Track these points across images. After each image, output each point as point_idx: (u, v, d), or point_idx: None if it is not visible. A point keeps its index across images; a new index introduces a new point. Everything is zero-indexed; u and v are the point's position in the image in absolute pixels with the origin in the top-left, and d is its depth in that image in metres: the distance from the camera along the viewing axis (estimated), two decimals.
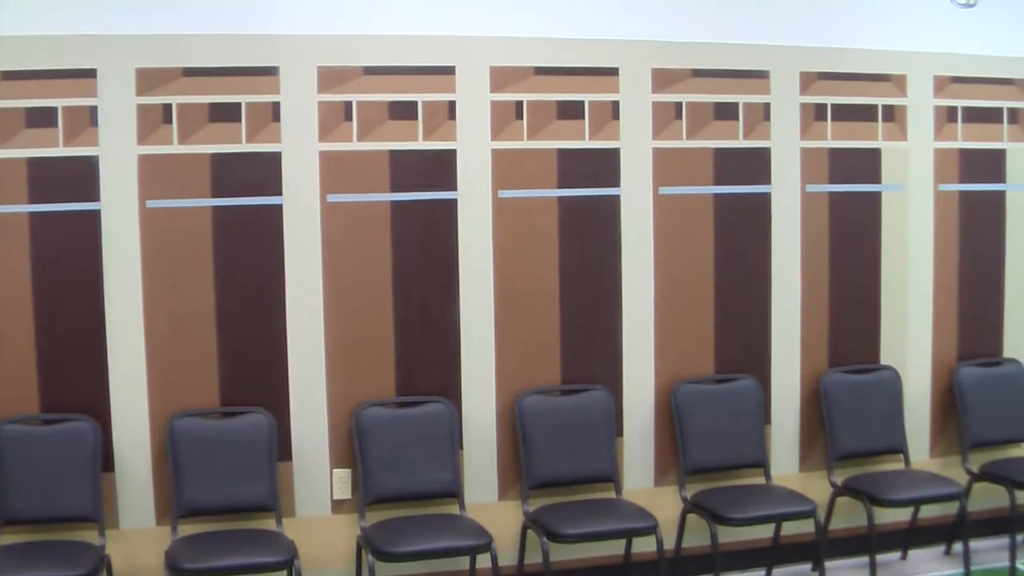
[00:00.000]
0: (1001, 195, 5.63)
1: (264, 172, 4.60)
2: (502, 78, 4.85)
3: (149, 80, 4.47)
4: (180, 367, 4.57)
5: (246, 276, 4.62)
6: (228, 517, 4.54)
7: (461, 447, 4.85)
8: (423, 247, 4.82)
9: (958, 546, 5.34)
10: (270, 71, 4.58)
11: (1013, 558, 5.18)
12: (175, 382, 4.56)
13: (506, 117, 4.87)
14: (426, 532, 4.48)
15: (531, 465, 4.87)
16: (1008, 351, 5.70)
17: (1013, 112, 5.62)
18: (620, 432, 5.06)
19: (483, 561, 4.55)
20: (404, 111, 4.75)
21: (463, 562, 4.69)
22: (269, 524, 4.56)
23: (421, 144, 4.77)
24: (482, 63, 4.83)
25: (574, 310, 5.00)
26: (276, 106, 4.59)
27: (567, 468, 4.92)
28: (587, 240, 5.01)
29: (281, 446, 4.63)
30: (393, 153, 4.74)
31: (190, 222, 4.56)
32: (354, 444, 4.69)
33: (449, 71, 4.80)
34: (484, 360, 4.90)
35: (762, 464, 5.17)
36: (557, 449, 4.92)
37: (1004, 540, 5.35)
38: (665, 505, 5.01)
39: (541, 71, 4.91)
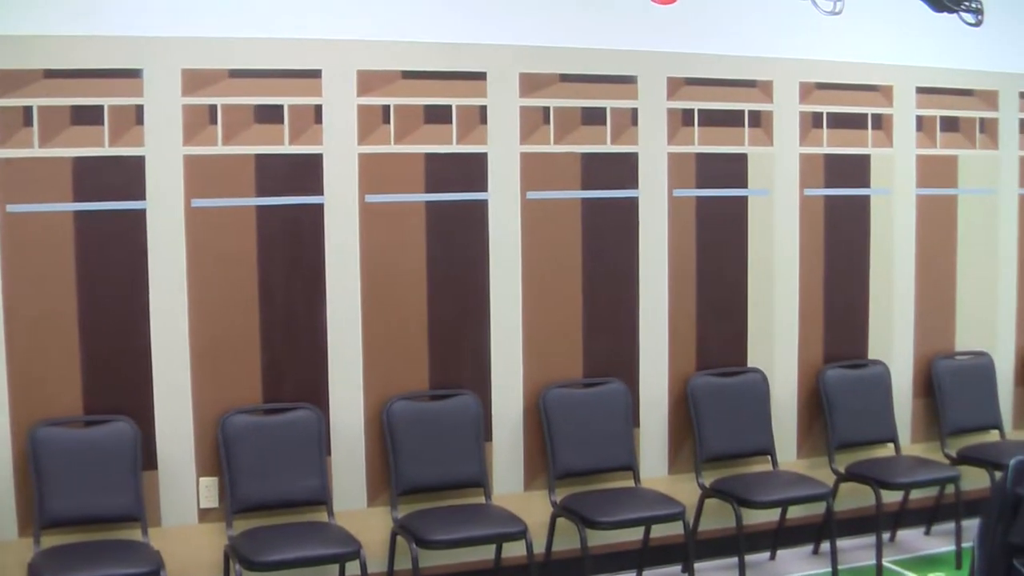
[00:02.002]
0: (866, 199, 6.19)
1: (127, 176, 4.82)
2: (369, 82, 5.17)
3: (5, 83, 4.65)
4: (41, 375, 4.76)
5: (109, 282, 4.84)
6: (92, 528, 4.72)
7: (329, 453, 5.16)
8: (290, 252, 5.11)
9: (826, 545, 5.83)
10: (133, 73, 4.81)
11: (880, 556, 5.65)
12: (36, 390, 4.74)
13: (373, 121, 5.19)
14: (294, 540, 4.75)
15: (400, 471, 5.20)
16: (873, 353, 6.26)
17: (877, 118, 6.18)
18: (490, 437, 5.44)
19: (352, 569, 4.83)
20: (270, 115, 5.02)
21: (332, 570, 4.96)
22: (134, 534, 4.77)
23: (287, 148, 5.06)
24: (349, 66, 5.13)
25: (442, 315, 5.36)
26: (140, 109, 4.82)
27: (436, 474, 5.27)
28: (455, 244, 5.37)
29: (146, 455, 4.86)
30: (259, 157, 5.01)
31: (52, 226, 4.74)
32: (220, 452, 4.95)
33: (315, 74, 5.08)
34: (352, 365, 5.21)
35: (631, 467, 5.61)
36: (427, 454, 5.26)
37: (871, 539, 5.84)
38: (535, 509, 5.39)
39: (409, 75, 5.24)
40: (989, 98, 6.51)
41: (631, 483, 5.62)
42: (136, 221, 4.88)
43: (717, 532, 5.79)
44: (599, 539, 5.41)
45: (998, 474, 4.47)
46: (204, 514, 5.04)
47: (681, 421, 5.83)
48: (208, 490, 5.03)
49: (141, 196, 4.87)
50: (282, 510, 5.06)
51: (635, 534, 5.61)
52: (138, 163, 4.87)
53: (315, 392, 5.18)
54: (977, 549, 4.38)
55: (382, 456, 5.27)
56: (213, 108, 4.95)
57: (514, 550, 5.21)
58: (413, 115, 5.27)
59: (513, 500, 5.41)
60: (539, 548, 5.34)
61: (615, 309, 5.70)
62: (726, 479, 5.68)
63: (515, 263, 5.48)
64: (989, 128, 6.53)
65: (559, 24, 5.51)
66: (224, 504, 5.00)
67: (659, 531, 5.61)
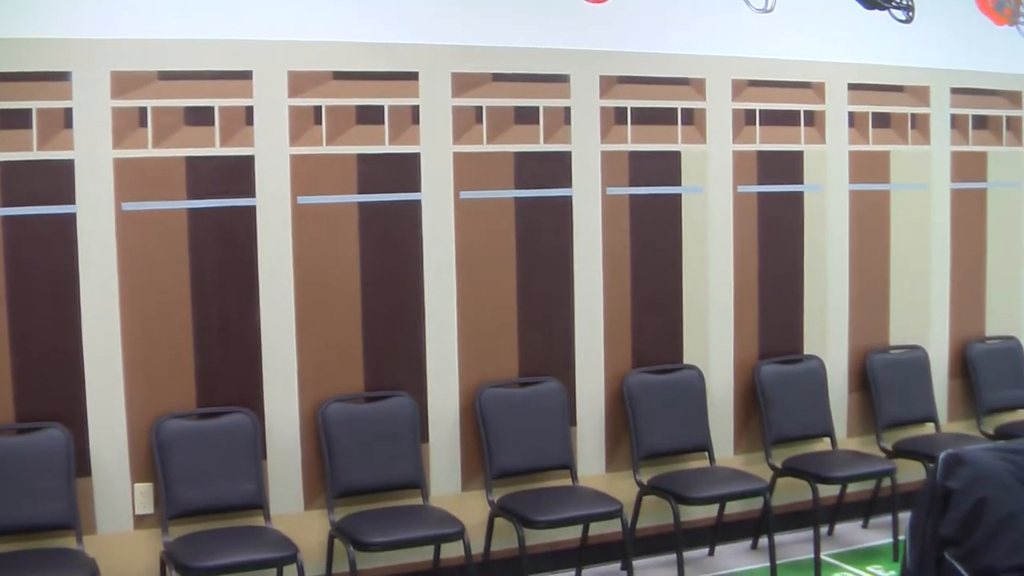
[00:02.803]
0: (799, 196, 6.40)
1: (56, 180, 4.89)
2: (300, 82, 5.28)
3: None
4: None
5: (39, 287, 4.91)
6: (26, 536, 4.79)
7: (265, 457, 5.27)
8: (222, 255, 5.20)
9: (764, 540, 6.04)
10: (61, 76, 4.88)
11: (817, 550, 5.82)
12: None
13: (305, 122, 5.29)
14: (230, 545, 4.84)
15: (336, 473, 5.31)
16: (808, 348, 6.47)
17: (810, 115, 6.39)
18: (426, 438, 5.57)
19: (290, 573, 4.96)
20: (200, 116, 5.11)
21: (270, 575, 5.07)
22: (69, 542, 4.82)
23: (218, 150, 5.14)
24: (280, 67, 5.23)
25: (377, 316, 5.48)
26: (68, 112, 4.89)
27: (373, 476, 5.39)
28: (389, 245, 5.49)
29: (79, 461, 4.92)
30: (190, 159, 5.10)
31: None
32: (155, 457, 5.04)
33: (246, 75, 5.18)
34: (286, 369, 5.32)
35: (569, 466, 5.76)
36: (363, 456, 5.37)
37: (808, 533, 6.04)
38: (473, 510, 5.54)
39: (340, 75, 5.35)
40: (920, 94, 6.74)
41: (568, 482, 5.77)
42: (66, 226, 4.94)
43: (655, 529, 5.97)
44: (537, 538, 5.57)
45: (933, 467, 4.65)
46: (140, 520, 5.11)
47: (618, 419, 5.99)
48: (143, 496, 5.11)
49: (71, 200, 4.94)
50: (218, 515, 5.14)
51: (573, 533, 5.77)
52: (67, 167, 4.93)
53: (250, 396, 5.28)
54: (909, 542, 4.56)
55: (318, 459, 5.37)
56: (143, 110, 5.03)
57: (452, 551, 5.34)
58: (345, 116, 5.38)
59: (451, 501, 5.54)
60: (477, 548, 5.46)
61: (550, 308, 5.85)
62: (663, 476, 5.84)
63: (449, 263, 5.61)
64: (920, 124, 6.76)
65: (491, 23, 5.65)
66: (160, 510, 5.08)
67: (597, 529, 5.77)
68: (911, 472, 6.22)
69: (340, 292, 5.43)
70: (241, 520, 5.19)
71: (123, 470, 5.09)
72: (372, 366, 5.50)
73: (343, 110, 5.38)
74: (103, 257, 5.01)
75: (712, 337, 6.24)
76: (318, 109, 5.33)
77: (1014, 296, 7.26)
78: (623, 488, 5.81)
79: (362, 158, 5.43)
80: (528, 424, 5.72)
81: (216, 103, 5.15)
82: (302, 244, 5.34)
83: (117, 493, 5.07)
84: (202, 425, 5.19)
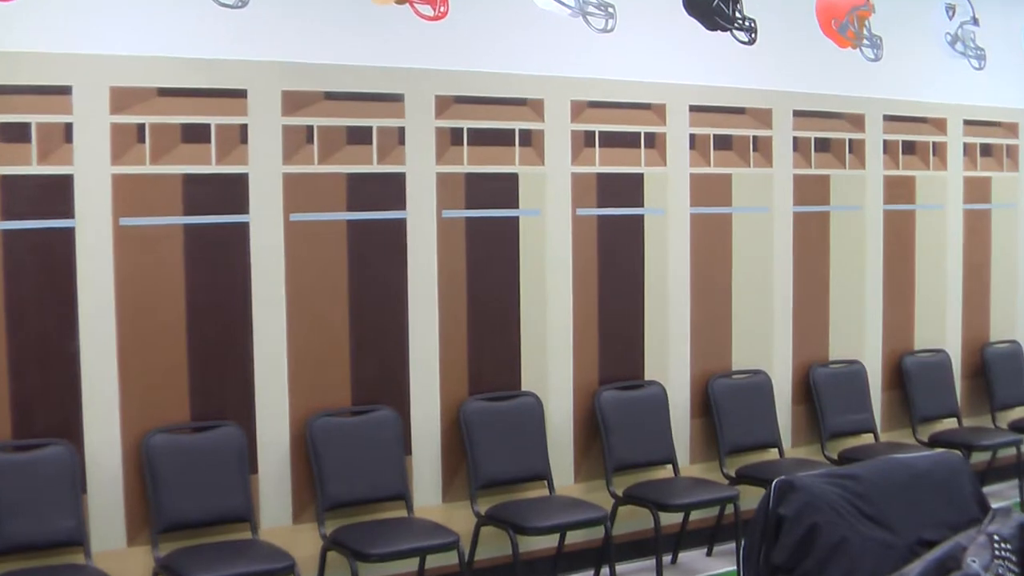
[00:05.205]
0: (639, 219, 6.74)
1: None
2: (123, 99, 5.36)
3: None
4: None
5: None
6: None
7: (85, 491, 5.34)
8: (40, 279, 5.26)
9: (606, 570, 6.30)
10: None
11: None
12: None
13: (127, 140, 5.38)
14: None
15: (161, 508, 5.39)
16: (649, 373, 6.81)
17: (651, 136, 6.74)
18: (255, 469, 5.71)
19: None
20: (16, 133, 5.15)
21: None
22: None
23: (35, 168, 5.19)
24: (101, 83, 5.30)
25: (204, 343, 5.61)
26: None
27: (200, 509, 5.48)
28: (216, 270, 5.62)
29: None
30: (5, 178, 5.15)
31: None
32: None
33: (65, 91, 5.24)
34: (108, 398, 5.39)
35: (404, 496, 5.96)
36: (189, 490, 5.47)
37: (650, 562, 6.35)
38: (305, 543, 5.69)
39: (165, 92, 5.46)
40: (763, 116, 7.15)
41: (404, 513, 5.96)
42: None
43: (494, 560, 6.20)
44: (372, 572, 5.73)
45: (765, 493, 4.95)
46: None
47: (455, 447, 6.21)
48: None
49: None
50: (35, 553, 5.15)
51: (409, 565, 5.95)
52: None
53: (69, 426, 5.36)
54: (742, 569, 4.91)
55: (142, 492, 5.45)
56: None
57: None
58: (170, 134, 5.49)
59: (282, 534, 5.68)
60: None
61: (384, 333, 6.05)
62: (502, 506, 6.08)
63: (279, 288, 5.76)
64: (763, 146, 7.16)
65: (323, 40, 5.83)
66: None
67: (434, 561, 5.97)
68: (754, 498, 6.45)
69: (165, 318, 5.52)
70: (60, 558, 5.21)
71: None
72: (199, 395, 5.61)
73: (168, 128, 5.48)
74: None
75: (551, 362, 6.51)
76: (141, 127, 5.41)
77: (857, 319, 7.71)
78: (461, 519, 6.04)
79: (188, 178, 5.54)
80: (361, 453, 5.90)
81: (33, 119, 5.18)
82: (125, 268, 5.40)
83: None
84: (16, 458, 5.21)
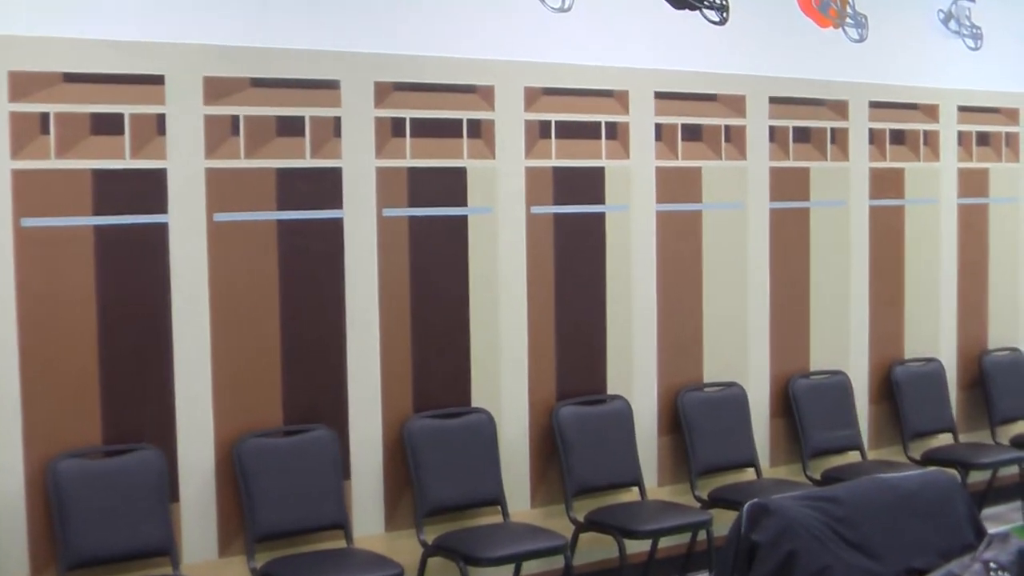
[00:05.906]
0: (600, 217, 6.47)
1: None
2: (24, 85, 5.10)
3: None
4: None
5: None
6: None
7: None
8: None
9: None
10: None
11: None
12: None
13: (30, 131, 5.13)
14: None
15: (68, 539, 5.11)
16: (612, 387, 6.53)
17: (612, 127, 6.45)
18: (176, 497, 5.44)
19: None
20: None
21: None
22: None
23: None
24: None
25: (117, 357, 5.33)
26: None
27: (113, 542, 5.20)
28: (131, 275, 5.36)
29: None
30: None
31: None
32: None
33: None
34: (10, 419, 5.11)
35: (342, 525, 5.69)
36: (102, 520, 5.19)
37: None
38: None
39: (72, 77, 5.21)
40: (735, 104, 6.89)
41: (343, 543, 5.71)
42: None
43: None
44: None
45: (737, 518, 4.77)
46: None
47: (398, 470, 5.94)
48: None
49: None
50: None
51: None
52: None
53: None
54: None
55: (47, 522, 5.17)
56: None
57: None
58: (78, 124, 5.25)
59: (207, 569, 5.47)
60: None
61: (319, 345, 5.79)
62: (451, 534, 5.83)
63: (202, 296, 5.51)
64: (736, 137, 6.90)
65: (250, 21, 5.58)
66: None
67: None
68: (729, 524, 6.18)
69: (72, 329, 5.26)
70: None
71: None
72: (111, 416, 5.35)
73: (76, 118, 5.24)
74: None
75: (504, 376, 6.25)
76: (45, 116, 5.18)
77: (841, 325, 7.48)
78: (405, 549, 5.77)
79: (98, 174, 5.29)
80: (295, 478, 5.64)
81: None
82: (25, 273, 5.15)
83: None
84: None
